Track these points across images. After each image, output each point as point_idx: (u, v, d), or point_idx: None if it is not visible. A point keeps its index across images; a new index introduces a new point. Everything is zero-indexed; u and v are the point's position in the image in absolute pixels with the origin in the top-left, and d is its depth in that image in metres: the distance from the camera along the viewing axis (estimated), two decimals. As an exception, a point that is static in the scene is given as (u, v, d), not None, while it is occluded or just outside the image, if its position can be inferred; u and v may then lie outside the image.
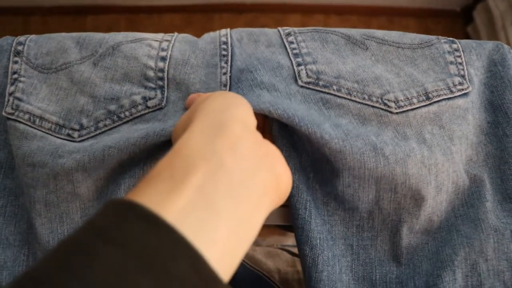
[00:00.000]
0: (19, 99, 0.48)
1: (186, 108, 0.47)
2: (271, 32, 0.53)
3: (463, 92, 0.48)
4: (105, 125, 0.47)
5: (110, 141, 0.44)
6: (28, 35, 0.53)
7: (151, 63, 0.49)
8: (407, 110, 0.46)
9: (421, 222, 0.45)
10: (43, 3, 2.18)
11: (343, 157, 0.42)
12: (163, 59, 0.50)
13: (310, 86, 0.47)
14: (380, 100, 0.46)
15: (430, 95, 0.47)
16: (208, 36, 0.53)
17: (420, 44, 0.51)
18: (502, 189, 0.47)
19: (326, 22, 2.23)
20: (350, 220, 0.46)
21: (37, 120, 0.47)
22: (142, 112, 0.47)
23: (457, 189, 0.47)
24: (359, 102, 0.46)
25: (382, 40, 0.51)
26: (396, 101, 0.46)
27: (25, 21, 2.22)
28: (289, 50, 0.50)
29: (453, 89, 0.48)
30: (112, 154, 0.43)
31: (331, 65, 0.49)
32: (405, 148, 0.43)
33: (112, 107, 0.47)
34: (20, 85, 0.49)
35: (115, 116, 0.47)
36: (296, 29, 0.53)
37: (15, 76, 0.49)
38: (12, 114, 0.47)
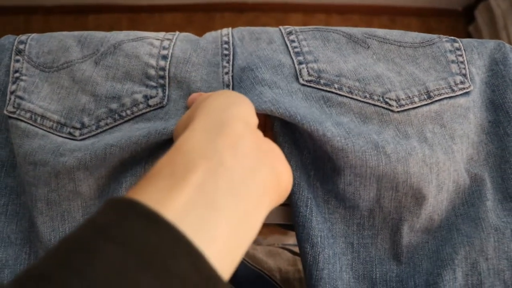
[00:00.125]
0: (21, 98, 0.48)
1: (187, 107, 0.47)
2: (272, 30, 0.53)
3: (464, 91, 0.48)
4: (107, 124, 0.47)
5: (111, 140, 0.44)
6: (29, 34, 0.53)
7: (153, 62, 0.49)
8: (408, 109, 0.46)
9: (421, 221, 0.45)
10: (44, 2, 2.19)
11: (345, 155, 0.42)
12: (164, 57, 0.50)
13: (312, 85, 0.47)
14: (381, 99, 0.46)
15: (431, 94, 0.47)
16: (210, 35, 0.53)
17: (421, 43, 0.51)
18: (502, 188, 0.47)
19: (328, 22, 2.22)
20: (350, 218, 0.46)
21: (39, 118, 0.47)
22: (144, 111, 0.47)
23: (458, 188, 0.46)
24: (360, 101, 0.46)
25: (383, 39, 0.51)
26: (398, 100, 0.46)
27: (27, 20, 2.22)
28: (290, 48, 0.50)
29: (455, 88, 0.48)
30: (113, 153, 0.43)
31: (333, 63, 0.48)
32: (407, 147, 0.43)
33: (114, 105, 0.47)
34: (22, 83, 0.49)
35: (116, 114, 0.47)
36: (297, 27, 0.53)
37: (17, 74, 0.49)
38: (14, 112, 0.47)
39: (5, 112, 0.47)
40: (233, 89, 0.47)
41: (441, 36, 0.52)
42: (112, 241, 0.21)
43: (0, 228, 0.46)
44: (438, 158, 0.44)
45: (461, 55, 0.50)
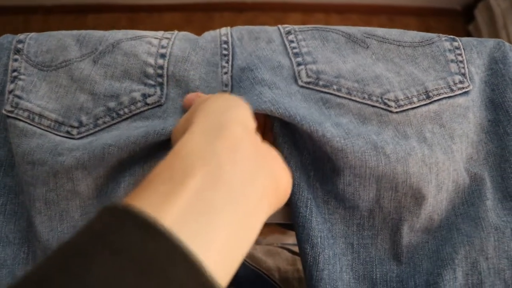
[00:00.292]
0: (19, 97, 0.48)
1: (184, 109, 0.47)
2: (271, 30, 0.53)
3: (463, 90, 0.48)
4: (104, 122, 0.47)
5: (109, 139, 0.44)
6: (28, 33, 0.53)
7: (151, 60, 0.49)
8: (407, 109, 0.46)
9: (421, 221, 0.45)
10: (44, 2, 2.18)
11: (344, 155, 0.42)
12: (162, 56, 0.50)
13: (310, 86, 0.47)
14: (380, 100, 0.46)
15: (430, 93, 0.47)
16: (209, 34, 0.53)
17: (421, 42, 0.51)
18: (502, 188, 0.47)
19: (327, 21, 2.22)
20: (350, 219, 0.46)
21: (36, 117, 0.47)
22: (142, 109, 0.47)
23: (458, 188, 0.46)
24: (359, 102, 0.46)
25: (382, 38, 0.51)
26: (396, 100, 0.46)
27: (26, 20, 2.22)
28: (289, 49, 0.50)
29: (454, 88, 0.48)
30: (112, 153, 0.43)
31: (331, 64, 0.48)
32: (406, 147, 0.43)
33: (112, 104, 0.47)
34: (20, 83, 0.49)
35: (114, 113, 0.47)
36: (296, 27, 0.53)
37: (15, 74, 0.49)
38: (12, 112, 0.47)
39: (3, 111, 0.47)
40: (232, 89, 0.47)
41: (441, 35, 0.52)
42: (109, 248, 0.21)
43: (-1, 228, 0.46)
44: (438, 158, 0.44)
45: (460, 54, 0.50)
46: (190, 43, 0.51)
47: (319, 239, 0.43)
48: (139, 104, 0.47)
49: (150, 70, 0.49)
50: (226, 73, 0.48)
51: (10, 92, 0.48)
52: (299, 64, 0.48)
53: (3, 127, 0.49)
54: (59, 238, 0.45)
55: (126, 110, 0.47)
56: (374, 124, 0.45)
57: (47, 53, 0.50)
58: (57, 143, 0.45)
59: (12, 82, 0.49)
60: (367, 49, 0.50)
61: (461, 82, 0.48)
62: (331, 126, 0.43)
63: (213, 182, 0.26)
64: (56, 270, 0.20)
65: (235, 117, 0.32)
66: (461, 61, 0.50)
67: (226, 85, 0.47)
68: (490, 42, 0.53)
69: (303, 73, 0.48)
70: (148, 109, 0.47)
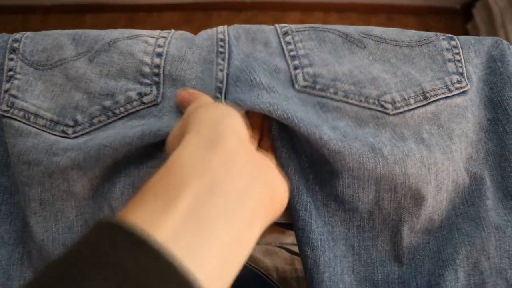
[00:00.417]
0: (14, 96, 0.48)
1: (179, 111, 0.46)
2: (268, 30, 0.53)
3: (461, 90, 0.48)
4: (100, 121, 0.46)
5: (105, 140, 0.43)
6: (24, 32, 0.53)
7: (147, 59, 0.49)
8: (404, 111, 0.46)
9: (421, 222, 0.45)
10: (43, 1, 2.18)
11: (342, 158, 0.42)
12: (159, 55, 0.49)
13: (307, 90, 0.47)
14: (376, 102, 0.46)
15: (427, 94, 0.47)
16: (205, 33, 0.53)
17: (418, 41, 0.51)
18: (503, 187, 0.47)
19: (326, 20, 2.22)
20: (350, 221, 0.46)
21: (32, 117, 0.46)
22: (138, 108, 0.47)
23: (458, 188, 0.46)
24: (356, 105, 0.46)
25: (380, 38, 0.51)
26: (393, 102, 0.46)
27: (25, 19, 2.22)
28: (286, 51, 0.50)
29: (451, 88, 0.48)
30: (107, 153, 0.43)
31: (328, 66, 0.48)
32: (404, 149, 0.43)
33: (107, 103, 0.47)
34: (16, 82, 0.48)
35: (110, 112, 0.47)
36: (293, 26, 0.53)
37: (11, 73, 0.49)
38: (7, 111, 0.47)
39: None
40: (227, 86, 0.47)
41: (438, 33, 0.52)
42: (102, 264, 0.21)
43: (-6, 228, 0.46)
44: (436, 159, 0.44)
45: (458, 53, 0.50)
46: (187, 42, 0.51)
47: (319, 242, 0.43)
48: (135, 103, 0.47)
49: (147, 69, 0.48)
50: (221, 70, 0.48)
51: (6, 91, 0.48)
52: (296, 68, 0.48)
53: (-1, 127, 0.49)
54: (54, 239, 0.45)
55: (122, 109, 0.47)
56: (371, 127, 0.45)
57: (43, 52, 0.50)
58: (52, 143, 0.45)
59: (7, 81, 0.49)
60: (364, 49, 0.50)
61: (458, 81, 0.48)
62: (328, 129, 0.43)
63: (207, 196, 0.26)
64: (48, 287, 0.20)
65: (228, 127, 0.32)
66: (459, 60, 0.49)
67: (221, 82, 0.47)
68: (488, 41, 0.53)
69: (300, 77, 0.48)
70: (144, 108, 0.47)
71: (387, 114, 0.46)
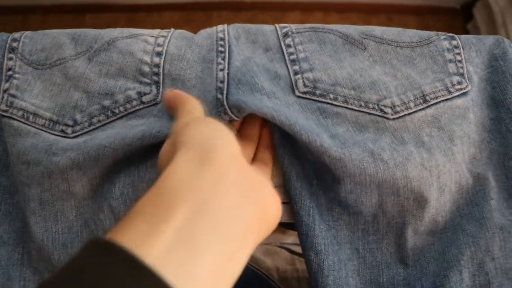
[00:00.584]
0: (13, 96, 0.47)
1: (166, 107, 0.46)
2: (268, 31, 0.53)
3: (462, 91, 0.48)
4: (99, 121, 0.46)
5: (104, 140, 0.43)
6: (23, 32, 0.52)
7: (147, 58, 0.49)
8: (404, 115, 0.46)
9: (425, 224, 0.45)
10: (43, 1, 2.18)
11: (343, 164, 0.42)
12: (158, 54, 0.49)
13: (307, 96, 0.47)
14: (376, 107, 0.46)
15: (427, 97, 0.46)
16: (205, 31, 0.53)
17: (419, 42, 0.50)
18: (507, 186, 0.47)
19: (326, 20, 2.22)
20: (355, 224, 0.46)
21: (31, 116, 0.46)
22: (137, 108, 0.47)
23: (461, 189, 0.46)
24: (355, 110, 0.46)
25: (380, 39, 0.51)
26: (393, 107, 0.46)
27: (25, 19, 2.22)
28: (286, 55, 0.50)
29: (451, 89, 0.47)
30: (107, 154, 0.43)
31: (328, 71, 0.48)
32: (403, 152, 0.43)
33: (106, 102, 0.47)
34: (15, 81, 0.48)
35: (109, 111, 0.46)
36: (293, 27, 0.52)
37: (10, 73, 0.49)
38: (6, 111, 0.47)
39: None
40: (228, 87, 0.46)
41: (439, 33, 0.52)
42: (91, 284, 0.21)
43: (-7, 228, 0.46)
44: (438, 161, 0.44)
45: (459, 53, 0.50)
46: (186, 41, 0.51)
47: (323, 246, 0.43)
48: (134, 103, 0.47)
49: (146, 68, 0.48)
50: (222, 70, 0.48)
51: (5, 91, 0.48)
52: (296, 73, 0.48)
53: (-2, 127, 0.49)
54: (54, 239, 0.45)
55: (121, 108, 0.46)
56: (371, 132, 0.45)
57: (42, 52, 0.50)
58: (51, 143, 0.44)
59: (6, 81, 0.48)
60: (365, 51, 0.50)
61: (459, 83, 0.48)
62: (327, 138, 0.43)
63: (197, 216, 0.26)
64: None
65: (219, 144, 0.31)
66: (460, 61, 0.49)
67: (222, 82, 0.47)
68: (489, 39, 0.53)
69: (300, 83, 0.47)
70: (144, 107, 0.47)
71: (387, 118, 0.45)
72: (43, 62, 0.49)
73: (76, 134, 0.46)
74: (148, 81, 0.48)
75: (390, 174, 0.42)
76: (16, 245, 0.46)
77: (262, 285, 0.64)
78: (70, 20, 2.21)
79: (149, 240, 0.24)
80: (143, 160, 0.45)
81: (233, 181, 0.29)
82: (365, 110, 0.46)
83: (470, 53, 0.50)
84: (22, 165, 0.44)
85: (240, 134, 0.46)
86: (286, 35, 0.51)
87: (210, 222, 0.26)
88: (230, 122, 0.45)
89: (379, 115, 0.46)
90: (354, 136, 0.44)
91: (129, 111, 0.46)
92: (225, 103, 0.44)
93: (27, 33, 0.52)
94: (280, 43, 0.51)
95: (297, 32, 0.51)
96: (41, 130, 0.46)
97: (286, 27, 0.52)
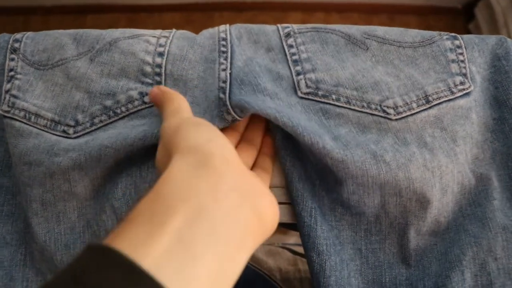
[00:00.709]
0: (15, 97, 0.47)
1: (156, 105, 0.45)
2: (270, 31, 0.53)
3: (464, 92, 0.47)
4: (101, 121, 0.46)
5: (106, 140, 0.43)
6: (25, 32, 0.52)
7: (149, 59, 0.49)
8: (406, 116, 0.46)
9: (428, 224, 0.45)
10: (44, 2, 2.18)
11: (345, 166, 0.42)
12: (160, 54, 0.49)
13: (310, 97, 0.47)
14: (379, 108, 0.46)
15: (430, 98, 0.46)
16: (207, 32, 0.53)
17: (421, 42, 0.50)
18: (510, 187, 0.46)
19: (327, 20, 2.22)
20: (357, 225, 0.46)
21: (33, 117, 0.46)
22: (139, 108, 0.46)
23: (463, 189, 0.46)
24: (358, 111, 0.46)
25: (383, 39, 0.50)
26: (395, 107, 0.46)
27: (26, 20, 2.22)
28: (288, 56, 0.50)
29: (454, 90, 0.47)
30: (108, 154, 0.43)
31: (331, 71, 0.48)
32: (406, 153, 0.43)
33: (108, 102, 0.47)
34: (16, 82, 0.48)
35: (111, 111, 0.46)
36: (296, 27, 0.52)
37: (12, 73, 0.49)
38: (8, 112, 0.47)
39: (0, 111, 0.47)
40: (230, 87, 0.46)
41: (442, 33, 0.51)
42: None
43: (-5, 229, 0.46)
44: (440, 162, 0.44)
45: (461, 54, 0.50)
46: (188, 41, 0.51)
47: (324, 247, 0.43)
48: (136, 103, 0.47)
49: (148, 69, 0.48)
50: (224, 70, 0.48)
51: (7, 91, 0.48)
52: (298, 74, 0.48)
53: (0, 127, 0.49)
54: (56, 240, 0.45)
55: (123, 108, 0.46)
56: (373, 133, 0.45)
57: (44, 52, 0.50)
58: (53, 143, 0.44)
59: (8, 81, 0.48)
60: (367, 51, 0.50)
61: (462, 83, 0.48)
62: (330, 140, 0.43)
63: (194, 222, 0.26)
64: None
65: (214, 149, 0.31)
66: (462, 61, 0.49)
67: (224, 82, 0.47)
68: (492, 39, 0.52)
69: (302, 84, 0.47)
70: (146, 107, 0.47)
71: (390, 119, 0.45)
72: (45, 63, 0.49)
73: (78, 134, 0.46)
74: (150, 81, 0.47)
75: (393, 175, 0.42)
76: (19, 246, 0.46)
77: (265, 285, 0.64)
78: (71, 20, 2.21)
79: (147, 244, 0.24)
80: (145, 160, 0.45)
81: (229, 187, 0.29)
82: (368, 110, 0.46)
83: (473, 53, 0.50)
84: (24, 166, 0.44)
85: (243, 138, 0.46)
86: (288, 35, 0.51)
87: (208, 225, 0.26)
88: (232, 122, 0.44)
89: (381, 116, 0.46)
90: (356, 137, 0.44)
91: (131, 111, 0.46)
92: (227, 103, 0.44)
93: (29, 33, 0.52)
94: (282, 43, 0.51)
95: (299, 32, 0.51)
96: (43, 130, 0.46)
97: (288, 27, 0.52)
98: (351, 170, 0.42)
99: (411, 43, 0.50)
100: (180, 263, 0.24)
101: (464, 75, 0.48)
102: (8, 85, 0.48)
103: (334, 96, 0.46)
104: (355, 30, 0.52)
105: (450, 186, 0.45)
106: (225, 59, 0.49)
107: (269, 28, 0.53)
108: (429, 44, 0.50)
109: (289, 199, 0.46)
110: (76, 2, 2.19)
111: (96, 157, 0.43)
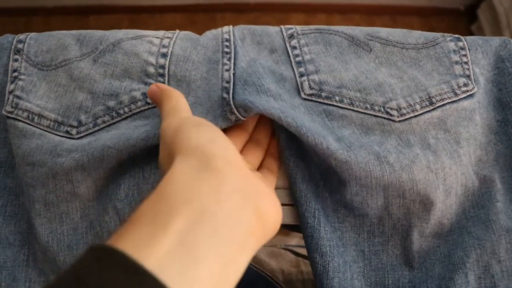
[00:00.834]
0: (19, 97, 0.47)
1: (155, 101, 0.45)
2: (273, 32, 0.53)
3: (468, 93, 0.47)
4: (104, 122, 0.46)
5: (109, 141, 0.43)
6: (28, 33, 0.53)
7: (152, 60, 0.49)
8: (410, 118, 0.46)
9: (431, 226, 0.45)
10: (45, 3, 2.18)
11: (349, 167, 0.42)
12: (164, 55, 0.49)
13: (313, 98, 0.47)
14: (382, 109, 0.46)
15: (433, 99, 0.46)
16: (210, 33, 0.53)
17: (425, 43, 0.50)
18: None
19: (329, 21, 2.22)
20: (360, 226, 0.46)
21: (36, 117, 0.46)
22: (142, 108, 0.47)
23: (467, 191, 0.46)
24: (361, 112, 0.46)
25: (386, 40, 0.50)
26: (399, 109, 0.46)
27: (28, 21, 2.22)
28: (291, 57, 0.50)
29: (458, 91, 0.47)
30: (111, 154, 0.43)
31: (334, 73, 0.48)
32: (409, 155, 0.43)
33: (111, 103, 0.47)
34: (20, 83, 0.48)
35: (114, 112, 0.46)
36: (299, 28, 0.52)
37: (15, 74, 0.49)
38: (12, 112, 0.47)
39: (3, 112, 0.47)
40: (234, 87, 0.46)
41: (445, 34, 0.51)
42: None
43: (-1, 230, 0.46)
44: (444, 163, 0.44)
45: (465, 55, 0.49)
46: (192, 42, 0.51)
47: (328, 248, 0.43)
48: (139, 103, 0.47)
49: (151, 69, 0.48)
50: (227, 70, 0.48)
51: (10, 92, 0.48)
52: (301, 75, 0.48)
53: (3, 128, 0.49)
54: (59, 240, 0.45)
55: (126, 109, 0.46)
56: (377, 134, 0.45)
57: (47, 53, 0.50)
58: (56, 144, 0.44)
59: (12, 82, 0.49)
60: (370, 52, 0.50)
61: (465, 85, 0.48)
62: (333, 141, 0.43)
63: (196, 223, 0.26)
64: None
65: (217, 150, 0.31)
66: (466, 62, 0.49)
67: (227, 82, 0.47)
68: (496, 41, 0.52)
69: (305, 85, 0.47)
70: (149, 108, 0.47)
71: (393, 121, 0.45)
72: (48, 63, 0.49)
73: (81, 135, 0.46)
74: (153, 82, 0.48)
75: (396, 176, 0.42)
76: (22, 247, 0.46)
77: (267, 287, 0.64)
78: (73, 21, 2.22)
79: (150, 245, 0.24)
80: (148, 161, 0.45)
81: (231, 189, 0.29)
82: (371, 112, 0.46)
83: (476, 55, 0.50)
84: (27, 167, 0.44)
85: (251, 139, 0.46)
86: (291, 36, 0.51)
87: (210, 228, 0.26)
88: (236, 122, 0.44)
89: (385, 118, 0.45)
90: (360, 138, 0.44)
91: (134, 112, 0.46)
92: (231, 102, 0.44)
93: (33, 34, 0.52)
94: (285, 44, 0.51)
95: (303, 34, 0.51)
96: (46, 131, 0.46)
97: (292, 28, 0.52)
98: (355, 171, 0.42)
99: (415, 44, 0.50)
100: (183, 265, 0.24)
101: (468, 76, 0.48)
102: (12, 86, 0.48)
103: (337, 98, 0.46)
104: (358, 31, 0.52)
105: (454, 188, 0.45)
106: (229, 59, 0.49)
107: (272, 29, 0.53)
108: (433, 45, 0.50)
109: (292, 201, 0.46)
110: (78, 3, 2.19)
111: (99, 158, 0.43)
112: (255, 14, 2.23)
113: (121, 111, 0.46)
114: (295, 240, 0.82)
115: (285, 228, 0.66)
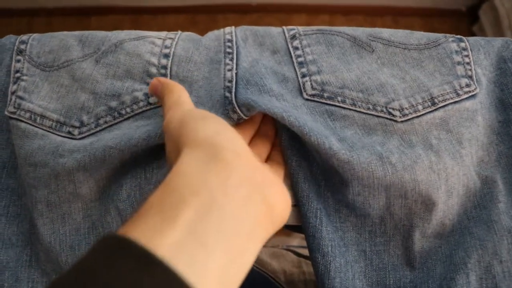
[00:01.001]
0: (21, 98, 0.47)
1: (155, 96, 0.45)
2: (276, 33, 0.53)
3: (470, 94, 0.47)
4: (106, 122, 0.46)
5: (110, 141, 0.43)
6: (31, 34, 0.53)
7: (154, 60, 0.49)
8: (412, 118, 0.45)
9: (433, 226, 0.45)
10: (47, 4, 2.19)
11: (351, 167, 0.42)
12: (166, 56, 0.49)
13: (315, 99, 0.47)
14: (384, 110, 0.46)
15: (435, 100, 0.46)
16: (212, 34, 0.53)
17: (427, 44, 0.50)
18: None
19: (332, 22, 2.22)
20: (362, 226, 0.46)
21: (38, 118, 0.46)
22: (144, 109, 0.47)
23: (469, 192, 0.46)
24: (363, 113, 0.46)
25: (388, 41, 0.50)
26: (401, 109, 0.46)
27: (29, 22, 2.23)
28: (294, 57, 0.50)
29: (460, 92, 0.47)
30: (113, 155, 0.43)
31: (336, 73, 0.48)
32: (412, 155, 0.43)
33: (113, 103, 0.47)
34: (22, 83, 0.48)
35: (116, 112, 0.46)
36: (301, 29, 0.52)
37: (18, 75, 0.49)
38: (14, 113, 0.47)
39: (6, 112, 0.47)
40: (236, 87, 0.46)
41: (447, 35, 0.51)
42: (102, 282, 0.21)
43: (1, 230, 0.46)
44: (446, 164, 0.44)
45: (467, 56, 0.49)
46: (194, 43, 0.51)
47: (329, 248, 0.43)
48: (141, 104, 0.47)
49: (153, 70, 0.48)
50: (230, 70, 0.48)
51: (13, 93, 0.48)
52: (303, 76, 0.48)
53: (6, 129, 0.49)
54: (62, 241, 0.45)
55: (128, 109, 0.46)
56: (379, 135, 0.45)
57: (50, 54, 0.50)
58: (58, 144, 0.44)
59: (14, 83, 0.49)
60: (373, 53, 0.50)
61: (467, 85, 0.48)
62: (336, 141, 0.43)
63: (205, 215, 0.26)
64: None
65: (225, 142, 0.31)
66: (468, 63, 0.49)
67: (230, 81, 0.47)
68: (498, 41, 0.52)
69: (308, 86, 0.47)
70: (150, 108, 0.47)
71: (395, 121, 0.45)
72: (50, 64, 0.49)
73: (83, 135, 0.46)
74: None
75: (398, 177, 0.42)
76: (24, 247, 0.46)
77: (269, 287, 0.64)
78: (75, 22, 2.22)
79: (160, 234, 0.24)
80: (150, 161, 0.45)
81: (239, 180, 0.29)
82: (373, 112, 0.46)
83: (479, 55, 0.50)
84: (29, 167, 0.44)
85: (257, 132, 0.46)
86: (293, 37, 0.51)
87: (219, 219, 0.26)
88: (238, 121, 0.45)
89: (387, 118, 0.45)
90: (362, 139, 0.44)
91: (136, 112, 0.46)
92: (234, 101, 0.44)
93: (35, 35, 0.52)
94: (287, 45, 0.51)
95: (305, 34, 0.51)
96: (48, 131, 0.46)
97: (294, 29, 0.52)
98: (357, 171, 0.42)
99: (417, 45, 0.50)
100: (192, 255, 0.24)
101: (470, 77, 0.48)
102: (14, 87, 0.48)
103: (339, 98, 0.46)
104: (361, 32, 0.52)
105: (456, 189, 0.45)
106: (231, 60, 0.49)
107: (275, 30, 0.53)
108: (435, 46, 0.50)
109: (294, 201, 0.46)
110: (79, 4, 2.19)
111: (101, 158, 0.43)
112: (257, 15, 2.23)
113: (123, 112, 0.46)
114: (297, 240, 0.82)
115: (287, 229, 0.66)
